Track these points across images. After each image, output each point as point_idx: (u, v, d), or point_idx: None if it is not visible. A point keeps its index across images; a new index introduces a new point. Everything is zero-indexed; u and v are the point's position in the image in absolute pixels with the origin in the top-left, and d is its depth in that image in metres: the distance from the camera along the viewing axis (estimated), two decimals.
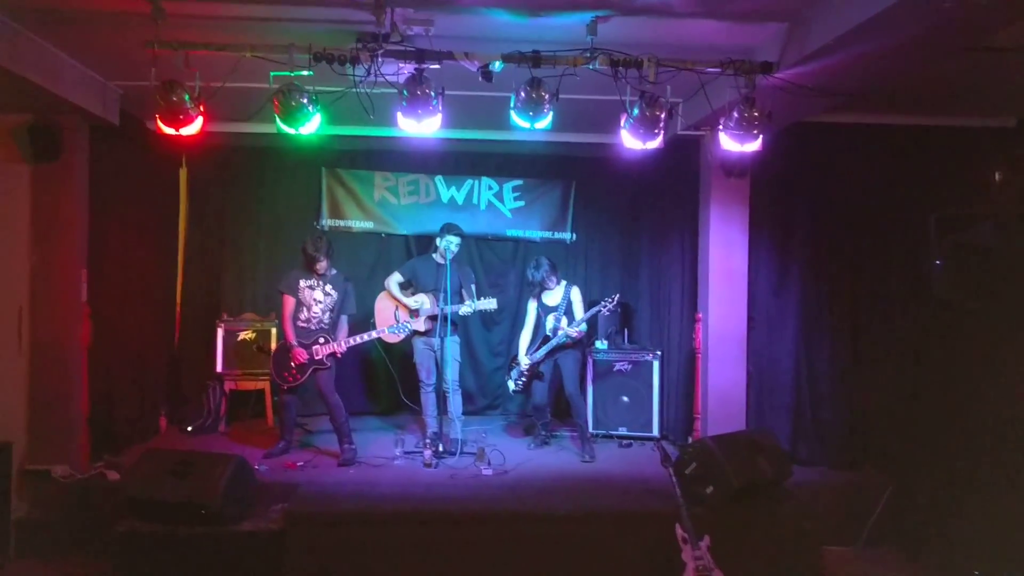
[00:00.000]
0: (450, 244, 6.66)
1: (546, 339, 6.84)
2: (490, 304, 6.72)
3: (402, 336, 6.79)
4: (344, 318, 6.59)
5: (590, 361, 7.47)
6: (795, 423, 6.78)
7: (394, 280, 6.94)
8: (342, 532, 5.03)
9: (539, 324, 6.98)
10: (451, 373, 6.76)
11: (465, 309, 6.64)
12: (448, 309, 6.49)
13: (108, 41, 5.11)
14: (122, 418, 6.78)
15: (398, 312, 6.81)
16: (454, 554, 5.05)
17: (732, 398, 6.72)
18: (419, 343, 6.83)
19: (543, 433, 7.15)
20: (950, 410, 5.66)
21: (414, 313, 6.76)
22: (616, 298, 6.79)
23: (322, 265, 6.45)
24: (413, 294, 6.90)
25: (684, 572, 4.79)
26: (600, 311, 6.80)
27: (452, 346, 6.78)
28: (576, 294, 6.93)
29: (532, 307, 7.04)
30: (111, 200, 6.57)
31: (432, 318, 6.67)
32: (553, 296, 6.95)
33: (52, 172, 5.99)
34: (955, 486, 5.39)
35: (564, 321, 6.76)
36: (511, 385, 7.06)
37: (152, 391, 7.40)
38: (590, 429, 7.22)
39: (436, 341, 6.62)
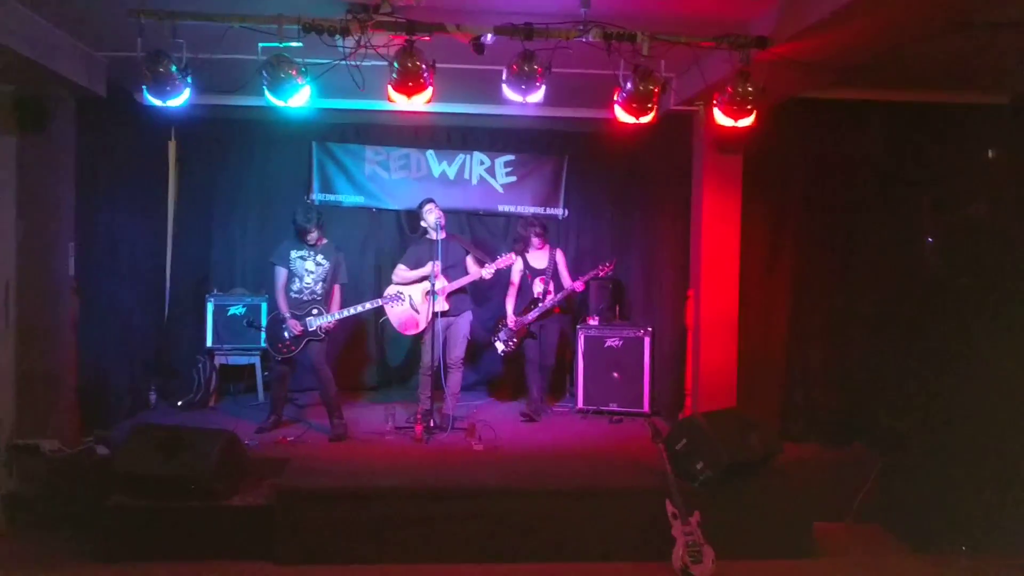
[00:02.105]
0: (427, 215, 6.66)
1: (535, 302, 6.93)
2: (509, 260, 6.73)
3: (422, 326, 6.70)
4: (337, 288, 6.56)
5: (581, 337, 7.48)
6: (785, 400, 6.81)
7: (400, 269, 6.84)
8: (332, 507, 5.03)
9: (524, 285, 7.06)
10: (459, 350, 6.76)
11: (487, 272, 6.61)
12: (435, 285, 6.46)
13: (93, 10, 5.02)
14: (112, 393, 6.75)
15: (413, 295, 6.74)
16: (445, 529, 5.06)
17: (723, 375, 6.71)
18: (434, 322, 6.65)
19: (537, 400, 7.22)
20: (940, 387, 5.69)
21: (426, 295, 6.61)
22: (613, 262, 7.04)
23: (312, 235, 6.43)
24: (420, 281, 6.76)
25: (674, 547, 4.83)
26: (597, 273, 7.00)
27: (464, 322, 6.80)
28: (561, 256, 7.16)
29: (517, 267, 7.11)
30: (99, 173, 6.50)
31: (451, 295, 6.64)
32: (540, 258, 7.05)
33: (38, 144, 5.89)
34: (944, 463, 5.42)
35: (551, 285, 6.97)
36: (499, 347, 7.13)
37: (142, 366, 7.38)
38: (580, 404, 7.39)
39: (446, 320, 6.62)
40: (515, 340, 7.08)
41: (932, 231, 5.81)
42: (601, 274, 7.01)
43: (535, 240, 7.10)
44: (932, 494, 5.43)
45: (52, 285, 6.02)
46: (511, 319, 7.07)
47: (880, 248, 6.75)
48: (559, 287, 7.13)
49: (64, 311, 6.07)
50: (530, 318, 6.98)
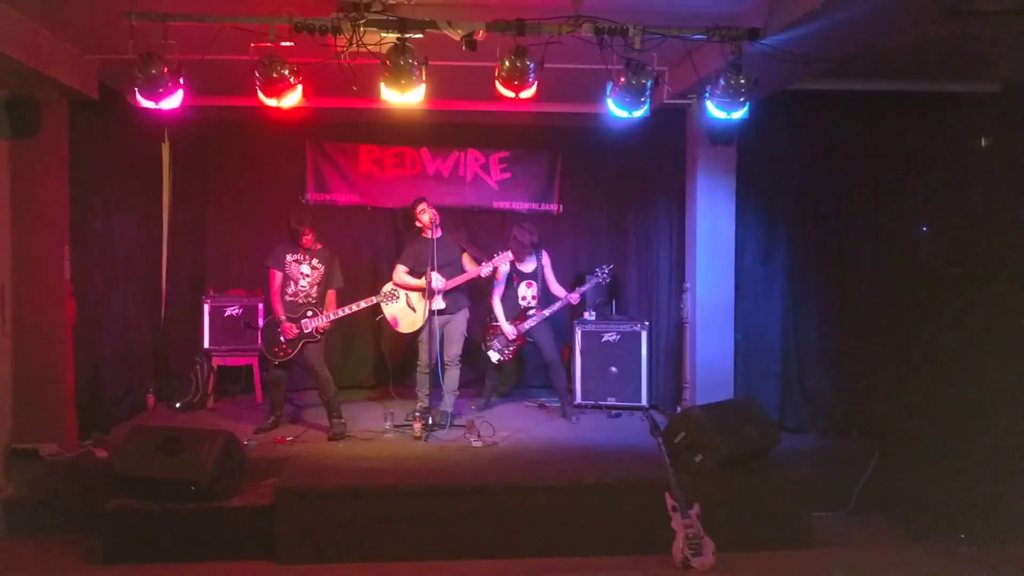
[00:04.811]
0: (421, 215, 6.67)
1: (526, 311, 6.95)
2: (506, 258, 6.72)
3: (419, 324, 6.71)
4: (332, 292, 6.55)
5: (578, 332, 7.48)
6: (783, 391, 6.82)
7: (400, 270, 6.83)
8: (332, 506, 5.04)
9: (510, 288, 7.04)
10: (456, 348, 6.77)
11: (485, 270, 6.66)
12: (435, 284, 6.46)
13: (84, 12, 5.01)
14: (109, 395, 6.74)
15: (410, 298, 6.75)
16: (444, 526, 5.07)
17: (720, 367, 6.74)
18: (431, 320, 6.65)
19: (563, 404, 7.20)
20: (936, 376, 5.70)
21: (425, 294, 6.59)
22: (610, 268, 7.03)
23: (307, 239, 6.42)
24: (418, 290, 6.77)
25: (674, 540, 4.83)
26: (599, 282, 7.01)
27: (461, 320, 6.81)
28: (546, 258, 7.13)
29: (503, 269, 7.03)
30: (92, 175, 6.47)
31: (448, 293, 6.64)
32: (527, 261, 7.04)
33: (31, 147, 5.89)
34: (942, 451, 5.43)
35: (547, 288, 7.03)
36: (494, 356, 7.08)
37: (139, 368, 7.37)
38: (578, 399, 7.33)
39: (443, 318, 6.63)
40: (512, 349, 7.05)
41: (926, 220, 5.81)
42: (602, 281, 7.06)
43: (529, 245, 6.99)
44: (930, 483, 5.44)
45: (48, 288, 6.02)
46: (509, 329, 6.99)
47: (875, 238, 6.77)
48: (543, 288, 7.09)
49: (60, 314, 6.06)
50: (526, 327, 6.97)
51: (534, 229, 7.03)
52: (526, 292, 7.05)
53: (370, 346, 8.38)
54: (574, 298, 6.99)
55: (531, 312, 6.99)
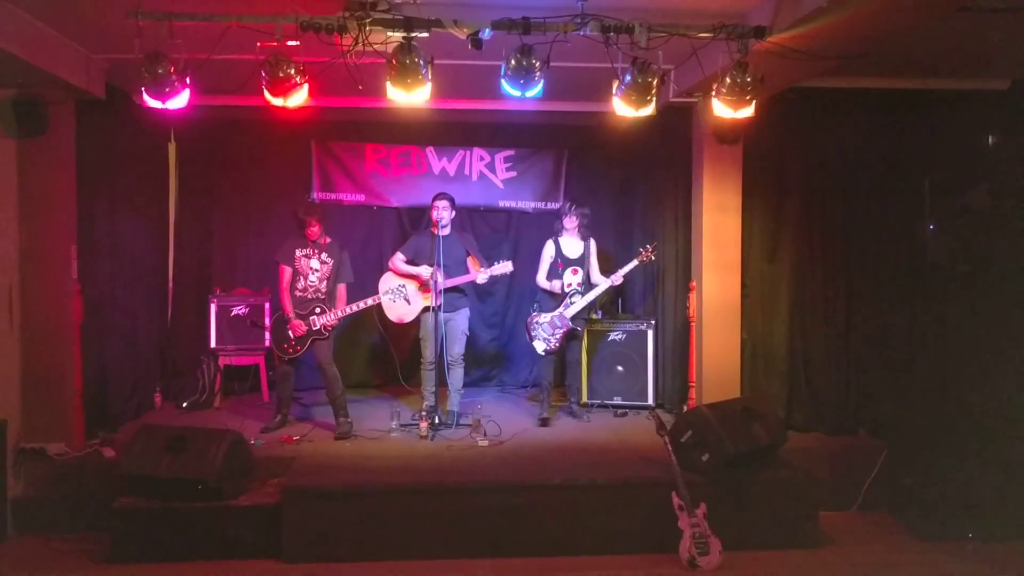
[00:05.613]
0: (433, 212, 6.61)
1: (571, 295, 6.88)
2: (505, 268, 6.67)
3: (410, 317, 6.74)
4: (342, 287, 6.55)
5: (584, 331, 7.45)
6: (790, 389, 6.80)
7: (398, 258, 6.83)
8: (339, 505, 5.05)
9: (554, 275, 6.96)
10: (458, 347, 6.75)
11: (481, 277, 6.62)
12: (440, 283, 6.45)
13: (90, 12, 5.02)
14: (116, 395, 6.76)
15: (407, 286, 6.74)
16: (451, 525, 5.08)
17: (726, 366, 6.72)
18: (428, 318, 6.66)
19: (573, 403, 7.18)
20: (944, 374, 5.68)
21: (424, 287, 6.63)
22: (653, 246, 7.00)
23: (314, 230, 6.43)
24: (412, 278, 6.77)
25: (681, 540, 4.84)
26: (643, 261, 6.97)
27: (462, 319, 6.78)
28: (594, 246, 7.06)
29: (549, 249, 7.01)
30: (99, 175, 6.49)
31: (448, 291, 6.59)
32: (574, 247, 6.98)
33: (38, 147, 5.89)
34: (949, 449, 5.42)
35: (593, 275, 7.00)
36: (542, 346, 6.89)
37: (146, 367, 7.38)
38: (584, 398, 7.35)
39: (443, 316, 6.58)
40: (559, 337, 6.86)
41: (933, 218, 5.80)
42: (647, 260, 6.98)
43: (572, 224, 6.95)
44: (938, 481, 5.44)
45: (55, 288, 6.02)
46: (556, 315, 6.86)
47: (881, 235, 6.75)
48: (586, 277, 6.98)
49: (67, 313, 6.07)
50: (568, 313, 6.89)
51: (580, 209, 7.02)
52: (571, 279, 6.94)
53: (376, 344, 8.38)
54: (616, 279, 6.88)
55: (573, 299, 6.89)
